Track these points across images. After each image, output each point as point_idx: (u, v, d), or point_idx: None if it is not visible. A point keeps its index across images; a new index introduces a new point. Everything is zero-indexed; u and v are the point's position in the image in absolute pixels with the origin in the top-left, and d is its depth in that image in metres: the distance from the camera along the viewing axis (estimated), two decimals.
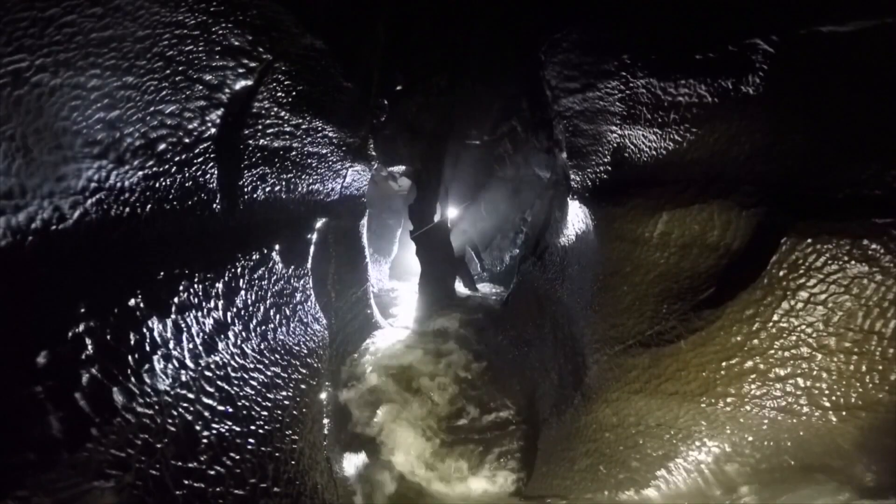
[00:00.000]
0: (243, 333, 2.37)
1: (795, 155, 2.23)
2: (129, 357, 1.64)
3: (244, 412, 2.21)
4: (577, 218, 3.86)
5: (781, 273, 2.08)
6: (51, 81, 1.40)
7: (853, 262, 1.91)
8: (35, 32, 1.34)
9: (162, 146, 1.90)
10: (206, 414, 1.96)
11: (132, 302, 1.70)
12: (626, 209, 2.97)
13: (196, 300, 2.05)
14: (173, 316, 1.90)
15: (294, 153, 3.03)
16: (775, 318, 2.13)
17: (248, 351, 2.39)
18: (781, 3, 2.25)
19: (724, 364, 2.29)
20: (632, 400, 2.67)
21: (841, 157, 2.07)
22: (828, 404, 2.06)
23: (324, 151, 3.50)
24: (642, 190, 2.91)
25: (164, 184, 1.94)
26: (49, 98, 1.40)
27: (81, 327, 1.48)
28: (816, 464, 2.10)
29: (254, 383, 2.34)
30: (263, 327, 2.57)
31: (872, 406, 1.97)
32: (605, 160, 3.33)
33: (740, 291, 2.23)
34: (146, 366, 1.70)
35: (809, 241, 2.00)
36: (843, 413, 2.03)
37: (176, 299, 1.93)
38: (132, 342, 1.67)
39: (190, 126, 2.06)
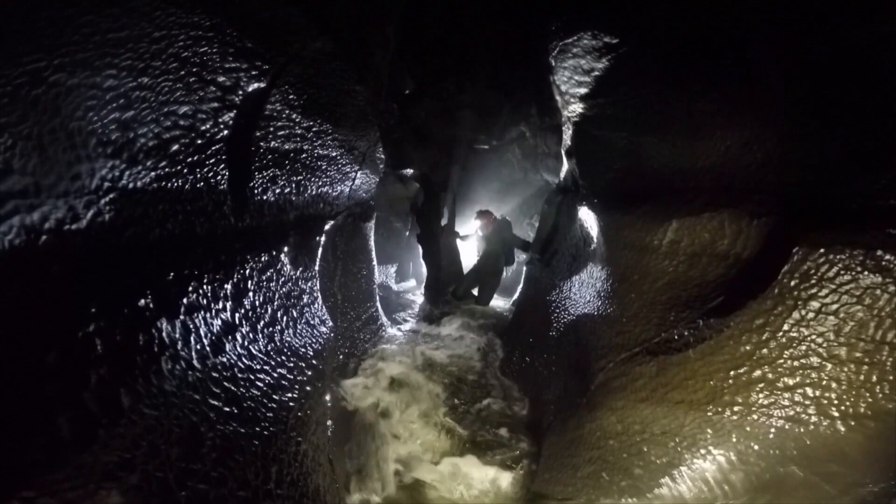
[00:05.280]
0: (251, 335, 2.37)
1: (808, 164, 2.22)
2: (138, 358, 1.63)
3: (250, 413, 2.20)
4: (585, 224, 3.85)
5: (793, 283, 2.07)
6: (68, 81, 1.40)
7: (866, 273, 1.90)
8: (53, 32, 1.35)
9: (175, 147, 1.90)
10: (212, 415, 1.95)
11: (142, 302, 1.69)
12: (635, 217, 2.96)
13: (205, 301, 2.05)
14: (182, 317, 1.89)
15: (304, 155, 3.03)
16: (785, 327, 2.11)
17: (255, 352, 2.38)
18: (797, 8, 2.24)
19: (732, 373, 2.28)
20: (637, 408, 2.65)
21: (855, 166, 2.06)
22: (836, 414, 2.04)
23: (334, 154, 3.50)
24: (652, 197, 2.90)
25: (175, 184, 1.94)
26: (65, 98, 1.40)
27: (91, 327, 1.47)
28: (821, 472, 2.08)
29: (260, 384, 2.34)
30: (270, 329, 2.57)
31: (882, 415, 1.95)
32: (615, 166, 3.32)
33: (750, 301, 2.21)
34: (154, 367, 1.69)
35: (822, 251, 1.99)
36: (852, 422, 2.01)
37: (185, 300, 1.92)
38: (141, 343, 1.66)
39: (203, 127, 2.06)
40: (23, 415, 1.25)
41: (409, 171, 7.58)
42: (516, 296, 6.67)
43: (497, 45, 6.58)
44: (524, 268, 6.22)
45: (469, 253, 8.71)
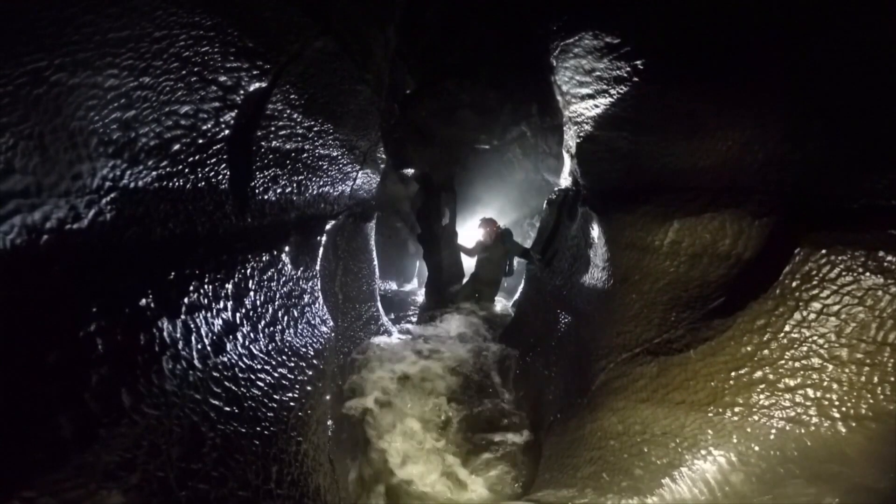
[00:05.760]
0: (251, 334, 2.37)
1: (810, 163, 2.22)
2: (139, 357, 1.63)
3: (250, 413, 2.19)
4: (586, 224, 3.84)
5: (794, 284, 2.07)
6: (69, 81, 1.40)
7: (868, 274, 1.90)
8: (54, 32, 1.34)
9: (176, 147, 1.90)
10: (213, 415, 1.94)
11: (143, 302, 1.69)
12: (636, 217, 2.96)
13: (206, 301, 2.05)
14: (183, 316, 1.89)
15: (305, 155, 3.03)
16: (787, 328, 2.12)
17: (256, 352, 2.38)
18: (798, 8, 2.24)
19: (733, 374, 2.28)
20: (638, 408, 2.65)
21: (857, 166, 2.06)
22: (837, 415, 2.04)
23: (335, 154, 3.50)
24: (653, 197, 2.90)
25: (177, 184, 1.94)
26: (67, 98, 1.40)
27: (93, 327, 1.47)
28: (821, 472, 2.08)
29: (261, 384, 2.33)
30: (271, 328, 2.57)
31: (882, 416, 1.96)
32: (616, 167, 3.31)
33: (751, 301, 2.21)
34: (155, 366, 1.69)
35: (823, 252, 1.99)
36: (853, 423, 2.01)
37: (186, 300, 1.92)
38: (142, 343, 1.66)
39: (204, 127, 2.06)
40: (24, 414, 1.25)
41: (410, 171, 7.57)
42: (517, 296, 6.66)
43: (498, 45, 6.56)
44: (525, 268, 6.21)
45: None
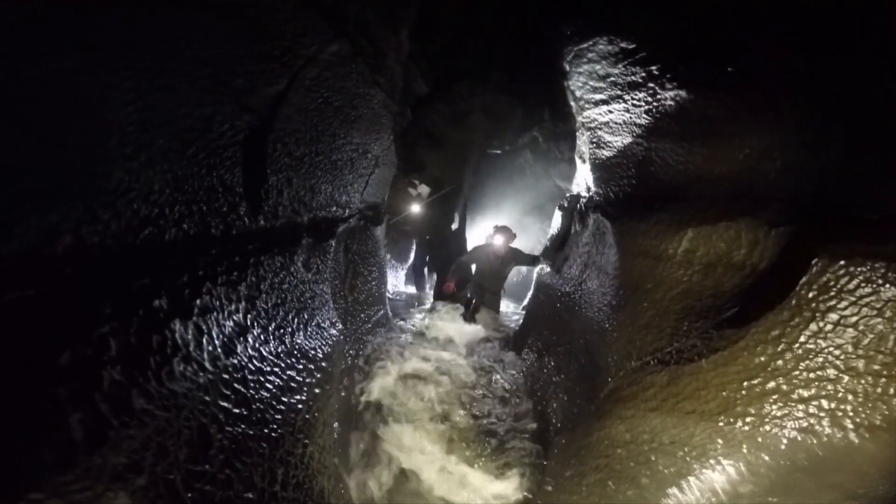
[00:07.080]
0: (262, 336, 2.37)
1: (829, 172, 2.19)
2: (151, 359, 1.63)
3: (258, 415, 2.19)
4: (597, 231, 3.82)
5: (811, 295, 2.04)
6: (88, 82, 1.41)
7: (888, 286, 1.87)
8: (74, 33, 1.35)
9: (192, 149, 1.91)
10: (221, 417, 1.94)
11: (156, 303, 1.69)
12: (649, 224, 2.94)
13: (218, 303, 2.05)
14: (195, 318, 1.89)
15: (319, 158, 3.04)
16: (802, 339, 2.08)
17: (266, 354, 2.38)
18: (820, 15, 2.22)
19: (745, 384, 2.25)
20: (647, 417, 2.62)
21: (877, 176, 2.03)
22: (851, 425, 2.00)
23: (347, 157, 3.51)
24: (667, 205, 2.87)
25: (191, 186, 1.95)
26: (85, 98, 1.41)
27: (106, 328, 1.47)
28: (831, 482, 2.05)
29: (269, 386, 2.33)
30: (281, 331, 2.56)
31: None
32: (630, 173, 3.29)
33: (766, 312, 2.18)
34: (166, 368, 1.69)
35: (842, 262, 1.96)
36: (866, 434, 1.97)
37: (199, 301, 1.92)
38: (154, 344, 1.66)
39: (220, 129, 2.07)
40: (34, 416, 1.25)
41: (421, 175, 7.57)
42: (526, 301, 6.63)
43: (510, 50, 6.56)
44: (534, 274, 6.19)
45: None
